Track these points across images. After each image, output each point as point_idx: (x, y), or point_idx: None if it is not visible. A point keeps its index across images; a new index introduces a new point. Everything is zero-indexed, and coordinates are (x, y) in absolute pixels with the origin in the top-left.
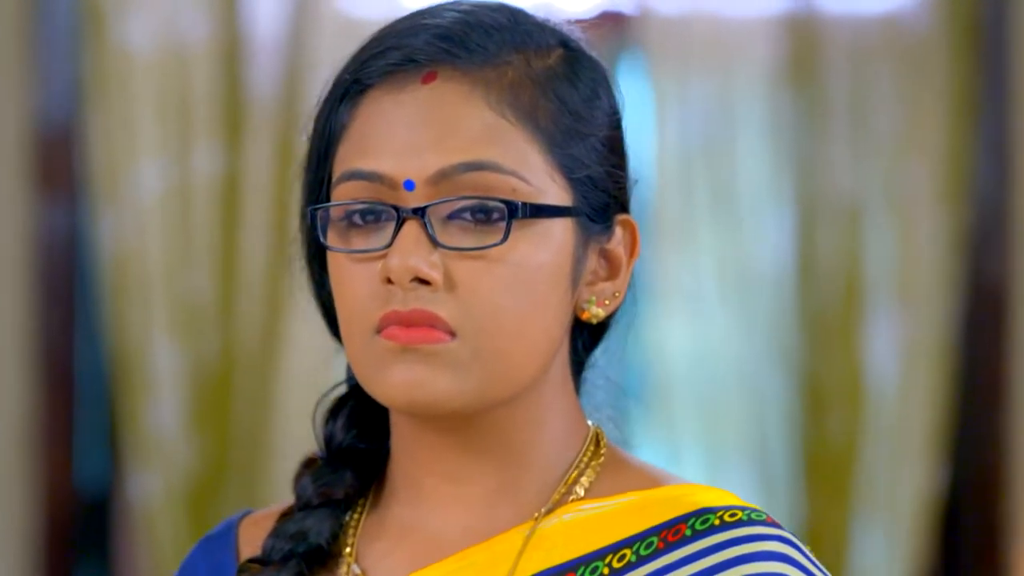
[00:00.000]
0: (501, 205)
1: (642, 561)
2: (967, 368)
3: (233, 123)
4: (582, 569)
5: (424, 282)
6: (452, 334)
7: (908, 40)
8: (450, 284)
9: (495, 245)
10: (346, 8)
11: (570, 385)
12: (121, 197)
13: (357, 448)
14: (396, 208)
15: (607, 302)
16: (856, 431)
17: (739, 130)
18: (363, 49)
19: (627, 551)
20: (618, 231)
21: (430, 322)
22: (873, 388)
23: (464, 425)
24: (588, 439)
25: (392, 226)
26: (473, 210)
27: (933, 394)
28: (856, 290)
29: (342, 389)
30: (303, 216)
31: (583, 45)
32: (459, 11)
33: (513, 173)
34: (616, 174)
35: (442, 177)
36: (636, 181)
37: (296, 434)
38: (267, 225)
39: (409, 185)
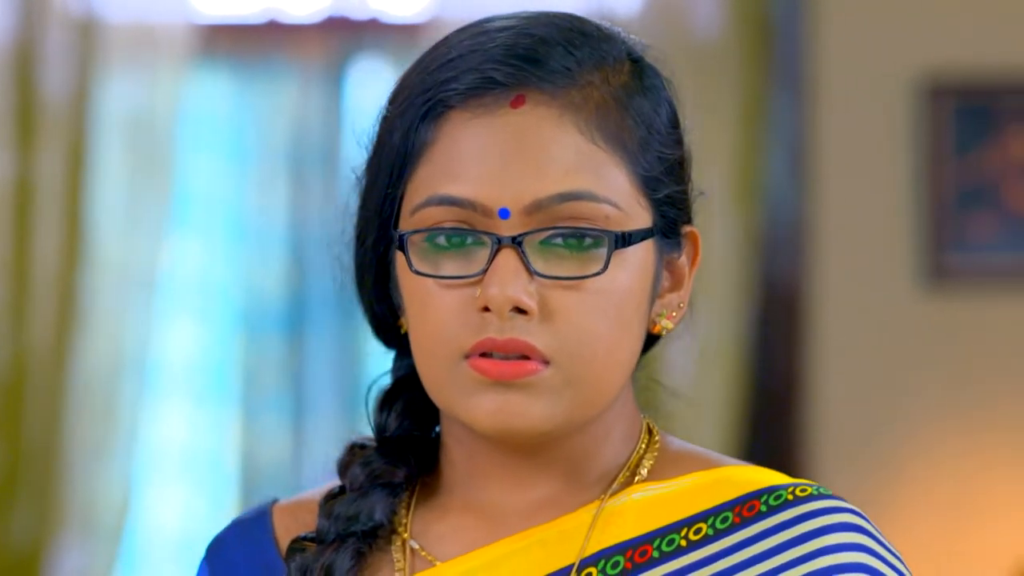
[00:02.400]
0: (602, 236)
1: (720, 534)
2: (760, 369)
3: (25, 127)
4: (658, 541)
5: (521, 311)
6: (546, 362)
7: (700, 44)
8: (546, 313)
9: (596, 275)
10: (137, 15)
11: (631, 387)
12: None
13: (412, 437)
14: (490, 235)
15: (674, 314)
16: None
17: None
18: (437, 67)
19: (702, 525)
20: (684, 243)
21: (525, 352)
22: (666, 389)
23: (537, 443)
24: (642, 430)
25: (483, 252)
26: (565, 236)
27: (726, 395)
28: None
29: (386, 380)
30: (362, 228)
31: (643, 51)
32: (528, 24)
33: (606, 200)
34: (687, 189)
35: (537, 207)
36: (702, 193)
37: (89, 440)
38: (59, 231)
39: (504, 214)
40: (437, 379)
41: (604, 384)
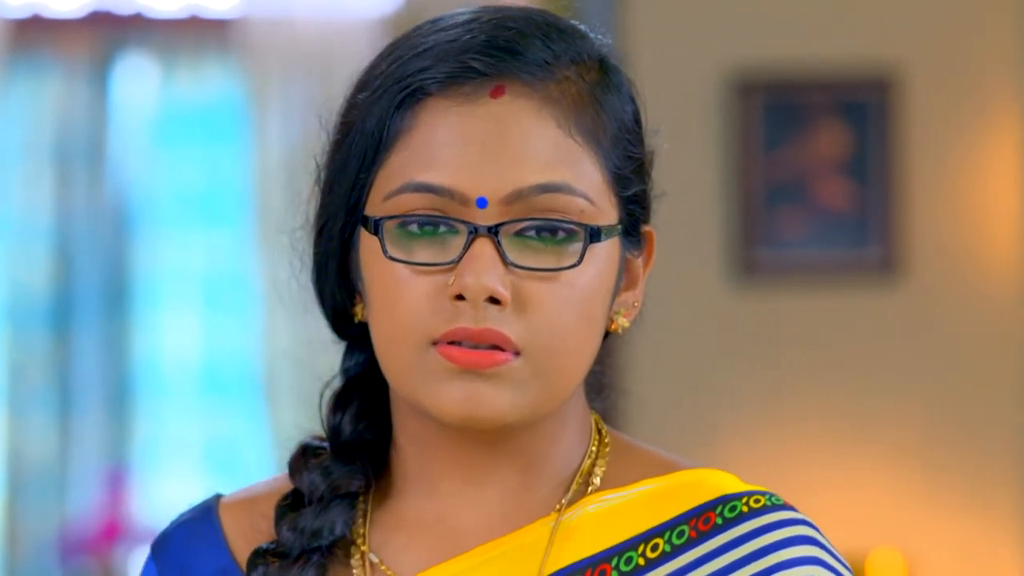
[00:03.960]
0: (579, 229)
1: (677, 551)
2: None
3: None
4: (616, 560)
5: (495, 301)
6: (517, 353)
7: None
8: (519, 303)
9: (571, 268)
10: None
11: (583, 383)
12: None
13: (365, 440)
14: (466, 223)
15: (628, 312)
16: None
17: None
18: (413, 56)
19: (659, 540)
20: (642, 242)
21: (499, 343)
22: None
23: (495, 433)
24: (592, 429)
25: (456, 240)
26: (539, 228)
27: None
28: None
29: (338, 381)
30: (328, 215)
31: (607, 51)
32: (504, 17)
33: (582, 195)
34: (649, 188)
35: (516, 197)
36: (664, 193)
37: None
38: None
39: (482, 203)
40: (402, 365)
41: (568, 378)
